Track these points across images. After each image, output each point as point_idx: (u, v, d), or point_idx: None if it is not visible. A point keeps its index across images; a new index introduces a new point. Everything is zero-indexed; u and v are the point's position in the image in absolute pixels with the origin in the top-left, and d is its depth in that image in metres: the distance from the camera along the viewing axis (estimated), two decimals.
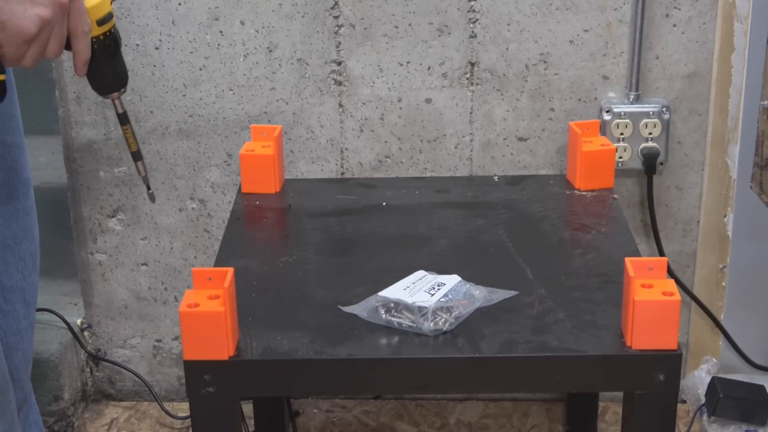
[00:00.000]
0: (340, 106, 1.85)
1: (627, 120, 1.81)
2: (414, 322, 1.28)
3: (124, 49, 1.82)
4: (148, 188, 1.27)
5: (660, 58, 1.79)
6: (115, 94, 1.24)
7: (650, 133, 1.82)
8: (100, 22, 1.16)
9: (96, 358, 2.05)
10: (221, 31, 1.81)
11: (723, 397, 1.80)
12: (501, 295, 1.35)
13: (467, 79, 1.82)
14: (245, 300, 1.35)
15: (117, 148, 1.89)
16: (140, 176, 1.28)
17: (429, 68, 1.81)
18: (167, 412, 2.02)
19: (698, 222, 1.89)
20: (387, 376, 1.27)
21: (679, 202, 1.89)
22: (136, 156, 1.25)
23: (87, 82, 1.85)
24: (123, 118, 1.25)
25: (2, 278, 1.39)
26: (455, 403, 2.02)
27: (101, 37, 1.18)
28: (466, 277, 1.37)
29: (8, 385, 1.34)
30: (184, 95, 1.85)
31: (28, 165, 1.43)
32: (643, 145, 1.83)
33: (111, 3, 1.18)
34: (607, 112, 1.81)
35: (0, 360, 1.31)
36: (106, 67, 1.21)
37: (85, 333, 2.03)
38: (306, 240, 1.56)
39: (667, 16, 1.77)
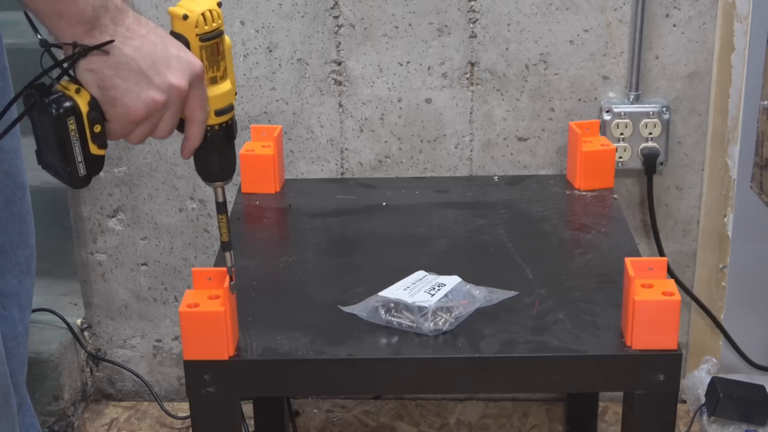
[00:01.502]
0: (340, 106, 1.85)
1: (627, 120, 1.81)
2: (414, 322, 1.28)
3: None
4: (231, 280, 1.22)
5: (660, 58, 1.79)
6: (219, 184, 1.17)
7: (650, 133, 1.82)
8: (219, 113, 1.10)
9: (96, 358, 2.05)
10: None
11: (723, 397, 1.80)
12: (501, 295, 1.35)
13: (467, 79, 1.82)
14: (245, 300, 1.35)
15: (117, 148, 1.89)
16: (226, 266, 1.21)
17: (429, 68, 1.81)
18: (167, 412, 2.02)
19: (698, 222, 1.89)
20: (387, 376, 1.27)
21: (679, 202, 1.89)
22: (226, 246, 1.18)
23: None
24: (221, 207, 1.18)
25: None
26: (455, 403, 2.02)
27: (216, 127, 1.12)
28: (466, 278, 1.37)
29: (10, 388, 1.34)
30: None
31: (25, 169, 1.43)
32: (643, 145, 1.83)
33: (235, 95, 1.13)
34: (607, 112, 1.81)
35: (2, 365, 1.31)
36: (215, 156, 1.15)
37: (85, 333, 2.03)
38: (306, 240, 1.56)
39: (667, 16, 1.77)
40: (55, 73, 1.02)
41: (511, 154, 1.87)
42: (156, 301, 2.00)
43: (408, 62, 1.81)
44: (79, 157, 1.03)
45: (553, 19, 1.77)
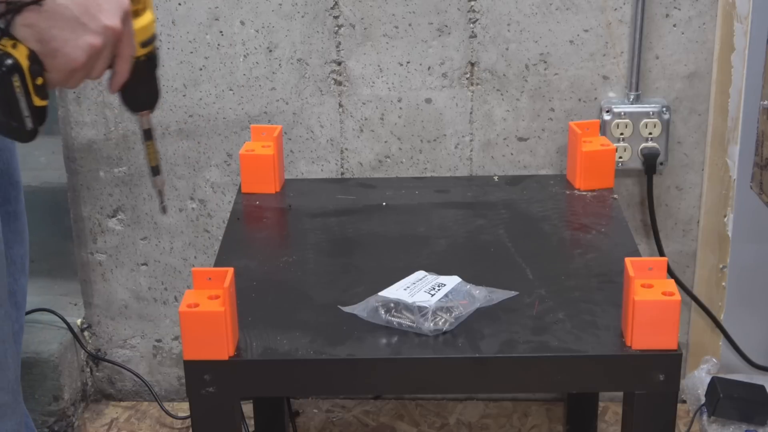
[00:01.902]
0: (340, 106, 1.85)
1: (627, 120, 1.81)
2: (414, 322, 1.28)
3: None
4: (162, 202, 1.24)
5: (660, 58, 1.79)
6: (146, 112, 1.20)
7: (650, 133, 1.82)
8: (144, 44, 1.13)
9: (96, 358, 2.05)
10: (221, 31, 1.81)
11: (723, 397, 1.80)
12: (501, 295, 1.35)
13: (467, 79, 1.82)
14: (245, 300, 1.35)
15: (117, 148, 1.89)
16: (155, 189, 1.25)
17: (429, 68, 1.81)
18: (167, 412, 2.02)
19: (698, 222, 1.89)
20: (387, 376, 1.27)
21: (679, 202, 1.89)
22: (155, 171, 1.22)
23: (86, 83, 1.85)
24: (148, 134, 1.21)
25: None
26: (455, 403, 2.02)
27: (142, 58, 1.14)
28: (466, 278, 1.37)
29: (18, 386, 1.35)
30: (184, 95, 1.85)
31: (19, 168, 1.43)
32: (643, 145, 1.83)
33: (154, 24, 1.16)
34: (607, 112, 1.81)
35: (9, 362, 1.31)
36: (142, 86, 1.17)
37: (85, 333, 2.03)
38: (306, 240, 1.56)
39: (667, 16, 1.77)
40: None
41: (511, 154, 1.87)
42: (156, 301, 2.01)
43: (408, 62, 1.81)
44: (26, 112, 1.05)
45: (553, 19, 1.77)
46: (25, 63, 1.04)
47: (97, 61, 1.09)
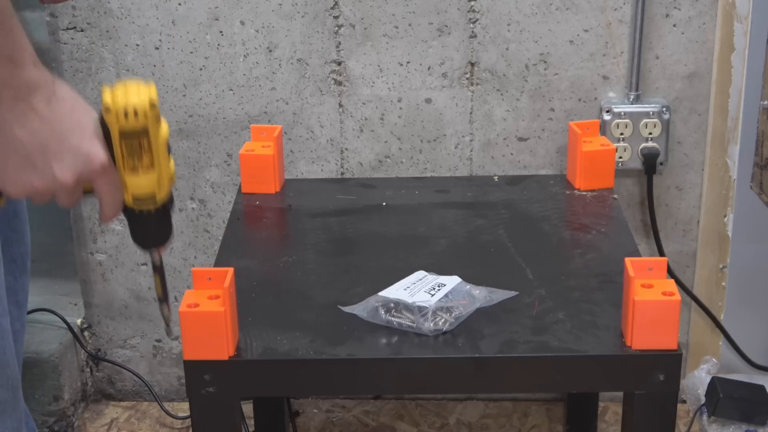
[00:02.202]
0: (340, 106, 1.85)
1: (627, 120, 1.81)
2: (414, 322, 1.28)
3: (124, 49, 1.83)
4: (167, 325, 1.20)
5: (660, 58, 1.79)
6: (152, 250, 1.12)
7: (650, 133, 1.82)
8: (137, 200, 1.03)
9: (96, 358, 2.05)
10: (221, 31, 1.81)
11: (723, 397, 1.80)
12: (501, 295, 1.35)
13: (467, 79, 1.82)
14: (245, 300, 1.35)
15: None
16: (162, 315, 1.18)
17: (429, 68, 1.81)
18: (167, 412, 2.02)
19: (698, 222, 1.89)
20: (387, 376, 1.27)
21: (679, 202, 1.89)
22: (162, 300, 1.15)
23: (86, 83, 1.86)
24: (156, 269, 1.13)
25: None
26: (455, 403, 2.02)
27: (136, 210, 1.05)
28: (466, 278, 1.37)
29: (18, 383, 1.34)
30: (184, 95, 1.85)
31: None
32: (643, 145, 1.83)
33: (168, 183, 1.04)
34: (607, 112, 1.81)
35: (10, 360, 1.31)
36: (138, 230, 1.09)
37: (85, 333, 2.03)
38: (306, 240, 1.56)
39: (667, 16, 1.77)
40: None
41: (511, 154, 1.87)
42: (156, 301, 2.00)
43: (408, 62, 1.81)
44: None
45: (553, 19, 1.77)
46: None
47: (48, 198, 1.00)
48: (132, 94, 0.96)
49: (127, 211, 1.04)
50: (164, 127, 1.00)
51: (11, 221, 1.41)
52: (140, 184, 1.01)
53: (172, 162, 1.03)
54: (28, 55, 0.94)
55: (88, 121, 0.98)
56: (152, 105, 0.96)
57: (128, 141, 0.98)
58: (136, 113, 0.96)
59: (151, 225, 1.06)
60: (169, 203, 1.05)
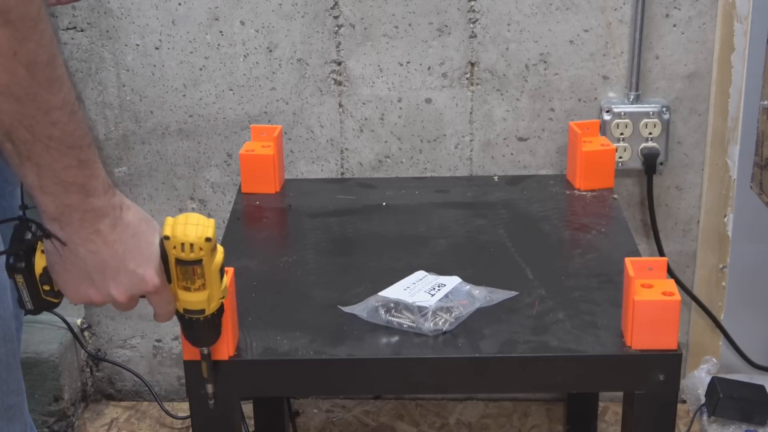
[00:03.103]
0: (340, 106, 1.85)
1: (627, 120, 1.81)
2: (414, 322, 1.28)
3: (123, 49, 1.83)
4: (210, 401, 1.24)
5: (660, 58, 1.79)
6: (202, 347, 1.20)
7: (650, 133, 1.82)
8: (189, 313, 1.11)
9: (96, 358, 2.05)
10: (221, 31, 1.81)
11: (723, 397, 1.80)
12: (501, 295, 1.35)
13: (467, 79, 1.82)
14: (245, 300, 1.35)
15: (117, 148, 1.89)
16: (207, 393, 1.24)
17: (429, 68, 1.81)
18: (167, 412, 2.02)
19: (698, 222, 1.89)
20: (387, 376, 1.27)
21: (679, 202, 1.89)
22: (207, 381, 1.22)
23: (86, 83, 1.86)
24: (205, 358, 1.20)
25: None
26: (455, 403, 2.02)
27: (186, 317, 1.12)
28: (466, 278, 1.37)
29: (22, 385, 1.35)
30: (184, 95, 1.85)
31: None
32: (643, 145, 1.83)
33: (218, 301, 1.11)
34: (607, 112, 1.81)
35: (18, 364, 1.31)
36: (190, 334, 1.16)
37: (85, 333, 2.03)
38: (306, 240, 1.55)
39: (667, 16, 1.77)
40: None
41: (511, 154, 1.87)
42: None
43: (408, 62, 1.81)
44: (26, 298, 1.08)
45: (553, 19, 1.77)
46: (38, 270, 1.05)
47: (103, 305, 1.09)
48: (190, 230, 1.05)
49: (179, 315, 1.12)
50: (219, 254, 1.08)
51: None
52: (191, 300, 1.09)
53: (224, 281, 1.12)
54: (101, 184, 1.00)
55: (149, 245, 1.05)
56: (208, 239, 1.05)
57: (183, 267, 1.06)
58: (192, 247, 1.04)
59: (200, 330, 1.14)
60: (217, 315, 1.13)
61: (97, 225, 1.01)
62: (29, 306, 1.09)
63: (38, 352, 1.90)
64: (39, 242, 1.05)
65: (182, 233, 1.04)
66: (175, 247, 1.04)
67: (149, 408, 2.06)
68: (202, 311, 1.11)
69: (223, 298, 1.12)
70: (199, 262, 1.05)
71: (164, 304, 1.09)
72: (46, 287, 1.07)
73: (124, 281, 1.04)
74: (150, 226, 1.06)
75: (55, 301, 1.09)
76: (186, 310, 1.10)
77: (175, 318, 1.13)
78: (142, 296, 1.08)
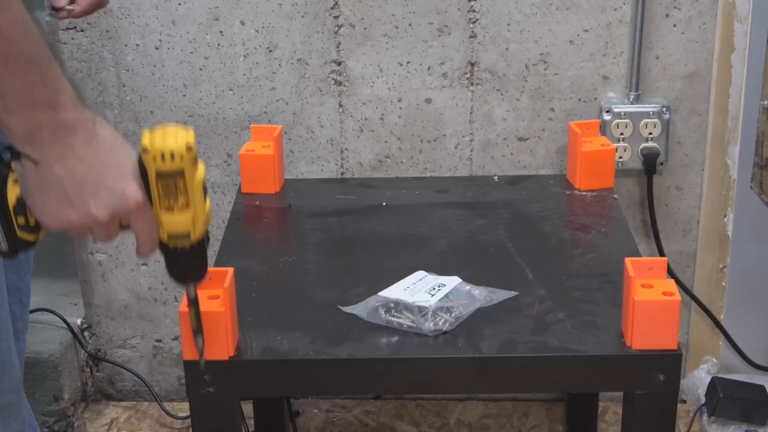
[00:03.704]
0: (340, 106, 1.85)
1: (627, 120, 1.81)
2: (414, 322, 1.28)
3: (124, 49, 1.83)
4: (201, 357, 1.21)
5: (660, 58, 1.79)
6: (184, 285, 1.15)
7: (650, 133, 1.82)
8: (172, 237, 1.06)
9: (96, 358, 2.05)
10: (221, 31, 1.81)
11: (723, 397, 1.80)
12: (501, 295, 1.35)
13: (467, 79, 1.82)
14: (245, 300, 1.35)
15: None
16: (197, 347, 1.19)
17: (429, 68, 1.81)
18: (167, 412, 2.02)
19: (698, 222, 1.89)
20: (387, 376, 1.27)
21: (679, 202, 1.89)
22: (196, 332, 1.17)
23: (86, 83, 1.86)
24: (191, 302, 1.16)
25: None
26: (455, 403, 2.02)
27: (171, 246, 1.07)
28: (466, 278, 1.37)
29: (21, 384, 1.35)
30: (184, 95, 1.85)
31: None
32: (643, 145, 1.83)
33: (203, 222, 1.06)
34: (607, 112, 1.81)
35: (15, 361, 1.31)
36: (174, 265, 1.11)
37: (85, 333, 2.03)
38: (306, 240, 1.56)
39: (667, 16, 1.77)
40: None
41: (511, 154, 1.87)
42: (156, 301, 2.00)
43: (408, 62, 1.81)
44: (0, 237, 1.03)
45: (553, 19, 1.77)
46: (12, 201, 1.01)
47: (85, 233, 1.04)
48: (170, 138, 0.99)
49: (163, 246, 1.07)
50: (201, 169, 1.03)
51: None
52: (175, 222, 1.04)
53: (208, 202, 1.06)
54: (68, 98, 0.97)
55: (126, 160, 1.01)
56: (189, 148, 0.99)
57: (164, 182, 1.01)
58: (172, 156, 0.99)
59: (186, 261, 1.09)
60: (204, 241, 1.08)
61: (70, 140, 0.97)
62: (3, 247, 1.04)
63: (38, 352, 1.90)
64: (11, 172, 1.01)
65: (161, 142, 0.99)
66: (155, 159, 0.99)
67: (149, 408, 2.06)
68: (188, 235, 1.05)
69: (208, 223, 1.06)
70: (180, 173, 1.00)
71: (147, 226, 1.04)
72: (21, 220, 1.03)
73: (103, 198, 1.00)
74: (126, 143, 1.02)
75: (32, 238, 1.05)
76: (171, 236, 1.05)
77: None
78: (124, 227, 1.03)
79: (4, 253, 1.05)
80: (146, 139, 0.99)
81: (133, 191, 1.01)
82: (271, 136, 1.71)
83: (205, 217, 1.05)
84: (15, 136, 0.96)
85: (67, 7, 1.30)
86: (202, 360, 1.19)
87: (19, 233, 1.04)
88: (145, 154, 0.99)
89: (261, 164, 1.69)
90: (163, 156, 0.99)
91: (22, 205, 1.02)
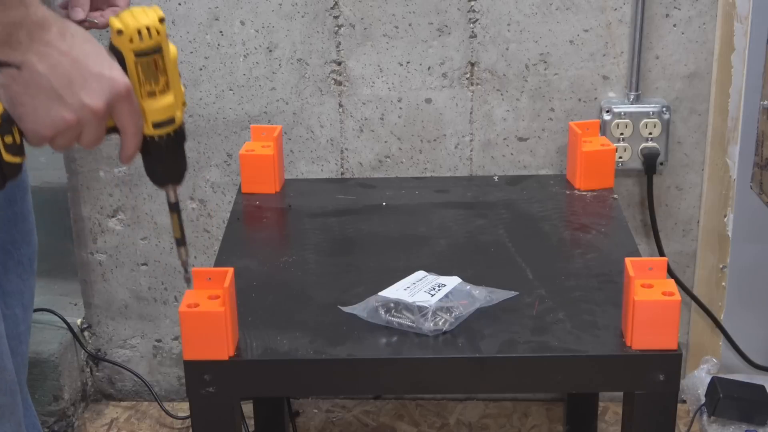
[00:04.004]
0: (340, 106, 1.85)
1: (627, 120, 1.81)
2: (414, 322, 1.28)
3: None
4: (186, 272, 1.20)
5: (660, 58, 1.79)
6: (167, 186, 1.14)
7: (650, 133, 1.82)
8: (157, 126, 1.05)
9: (96, 358, 2.05)
10: (221, 31, 1.81)
11: (723, 397, 1.80)
12: (501, 295, 1.35)
13: (467, 79, 1.82)
14: (245, 300, 1.35)
15: (117, 148, 1.88)
16: (180, 260, 1.18)
17: (429, 68, 1.81)
18: (167, 412, 2.02)
19: (698, 222, 1.89)
20: (387, 376, 1.27)
21: (679, 202, 1.89)
22: (179, 242, 1.16)
23: None
24: (173, 207, 1.15)
25: (2, 282, 1.39)
26: (455, 403, 2.02)
27: (156, 138, 1.06)
28: (466, 278, 1.37)
29: (16, 387, 1.34)
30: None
31: (27, 168, 1.43)
32: (643, 145, 1.83)
33: (182, 106, 1.07)
34: (607, 112, 1.81)
35: (8, 364, 1.31)
36: (157, 163, 1.10)
37: (85, 333, 2.03)
38: (306, 240, 1.56)
39: (667, 16, 1.77)
40: None
41: (511, 154, 1.87)
42: (156, 301, 2.01)
43: (408, 62, 1.81)
44: None
45: (553, 19, 1.77)
46: None
47: (76, 134, 1.02)
48: (140, 15, 0.99)
49: (146, 143, 1.06)
50: (173, 47, 1.03)
51: (19, 224, 1.41)
52: (159, 108, 1.03)
53: (182, 84, 1.06)
54: None
55: (102, 49, 1.01)
56: (162, 20, 0.99)
57: (144, 61, 1.00)
58: (149, 32, 0.99)
59: (168, 156, 1.08)
60: (183, 131, 1.08)
61: (46, 36, 0.97)
62: None
63: (38, 352, 1.90)
64: None
65: (135, 21, 0.98)
66: (131, 39, 0.98)
67: (149, 408, 2.06)
68: (172, 120, 1.04)
69: (185, 107, 1.07)
70: (159, 50, 1.00)
71: (134, 117, 1.03)
72: (8, 139, 1.00)
73: (95, 87, 0.99)
74: (93, 37, 1.02)
75: (18, 160, 1.02)
76: (155, 125, 1.04)
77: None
78: (110, 128, 1.02)
79: None
80: (118, 23, 0.99)
81: (120, 75, 1.00)
82: (271, 136, 1.71)
83: (182, 99, 1.06)
84: None
85: (92, 18, 1.30)
86: (188, 274, 1.18)
87: (6, 156, 1.01)
88: (120, 36, 0.98)
89: (261, 164, 1.69)
90: (140, 34, 0.98)
91: (7, 122, 1.00)
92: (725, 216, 1.88)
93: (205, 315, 1.21)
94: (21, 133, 1.01)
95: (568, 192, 1.71)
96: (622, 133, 1.82)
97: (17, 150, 1.01)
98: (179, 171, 1.12)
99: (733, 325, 1.95)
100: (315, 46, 1.81)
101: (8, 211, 1.39)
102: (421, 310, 1.29)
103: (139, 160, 1.92)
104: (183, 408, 2.04)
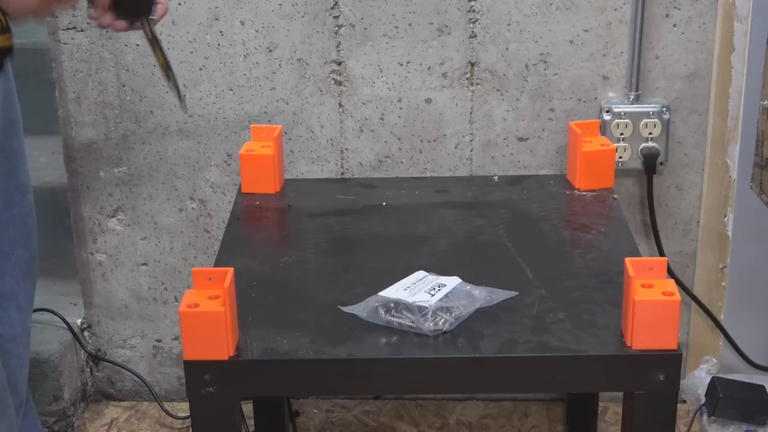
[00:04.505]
0: (340, 106, 1.85)
1: (627, 120, 1.81)
2: (414, 322, 1.28)
3: (124, 49, 1.83)
4: (179, 95, 1.19)
5: (660, 58, 1.79)
6: (144, 21, 1.16)
7: (650, 133, 1.82)
8: None
9: (96, 358, 2.05)
10: (221, 31, 1.81)
11: (723, 397, 1.80)
12: (501, 295, 1.35)
13: (467, 79, 1.82)
14: (245, 300, 1.35)
15: (117, 148, 1.89)
16: (170, 88, 1.19)
17: (429, 68, 1.81)
18: (167, 412, 2.02)
19: (698, 222, 1.89)
20: (387, 376, 1.27)
21: (679, 202, 1.89)
22: (166, 72, 1.18)
23: (86, 83, 1.86)
24: (152, 41, 1.17)
25: None
26: (455, 403, 2.02)
27: None
28: (466, 278, 1.37)
29: (6, 390, 1.34)
30: (184, 95, 1.85)
31: (27, 172, 1.43)
32: (643, 145, 1.83)
33: None
34: (607, 112, 1.81)
35: None
36: None
37: (85, 333, 2.03)
38: (306, 240, 1.56)
39: (667, 16, 1.77)
40: None
41: (511, 154, 1.87)
42: (156, 301, 2.00)
43: (408, 62, 1.81)
44: None
45: (553, 19, 1.77)
46: None
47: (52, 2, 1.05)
48: None
49: None
50: None
51: (18, 226, 1.41)
52: None
53: None
54: None
55: None
56: None
57: None
58: None
59: None
60: None
61: None
62: None
63: (38, 352, 1.90)
64: None
65: None
66: None
67: (149, 408, 2.06)
68: None
69: None
70: None
71: None
72: None
73: None
74: None
75: (7, 44, 1.04)
76: None
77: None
78: None
79: None
80: None
81: None
82: (271, 136, 1.71)
83: None
84: None
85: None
86: (183, 103, 1.18)
87: None
88: None
89: (261, 164, 1.69)
90: None
91: None
92: (725, 216, 1.88)
93: (205, 315, 1.21)
94: (4, 13, 1.04)
95: (568, 192, 1.71)
96: (622, 133, 1.82)
97: (4, 29, 1.04)
98: (147, 2, 1.16)
99: (733, 325, 1.95)
100: (315, 46, 1.81)
101: (6, 213, 1.38)
102: (421, 310, 1.29)
103: (139, 160, 1.93)
104: (183, 408, 2.04)
